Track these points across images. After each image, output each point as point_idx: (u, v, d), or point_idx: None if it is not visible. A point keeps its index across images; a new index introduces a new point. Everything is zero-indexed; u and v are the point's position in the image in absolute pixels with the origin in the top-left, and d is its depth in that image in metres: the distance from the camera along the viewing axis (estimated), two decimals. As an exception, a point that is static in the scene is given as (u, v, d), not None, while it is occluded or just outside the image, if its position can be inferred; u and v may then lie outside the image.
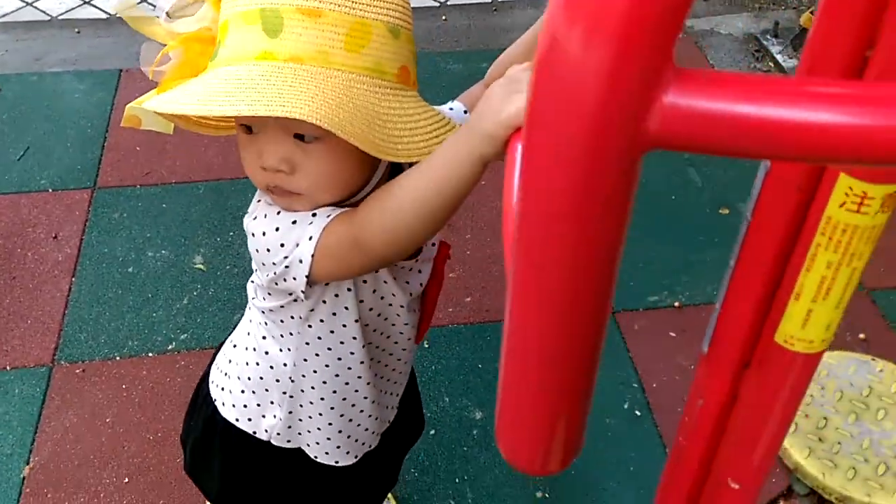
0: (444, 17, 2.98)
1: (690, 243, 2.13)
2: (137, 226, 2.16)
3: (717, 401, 0.92)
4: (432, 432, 1.71)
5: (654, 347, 1.89)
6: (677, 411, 1.73)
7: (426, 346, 1.86)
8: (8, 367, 1.81)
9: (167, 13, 0.88)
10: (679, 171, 2.34)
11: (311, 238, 0.84)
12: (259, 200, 0.93)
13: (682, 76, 0.35)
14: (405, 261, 0.97)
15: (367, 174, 0.88)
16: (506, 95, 0.67)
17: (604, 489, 1.65)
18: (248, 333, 1.07)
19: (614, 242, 0.45)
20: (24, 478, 1.62)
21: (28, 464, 1.65)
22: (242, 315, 1.87)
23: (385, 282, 0.96)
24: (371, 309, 0.97)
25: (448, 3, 3.03)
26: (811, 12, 2.73)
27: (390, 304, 0.99)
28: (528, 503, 1.62)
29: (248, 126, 0.85)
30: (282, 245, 0.87)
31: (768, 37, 2.81)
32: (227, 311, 1.95)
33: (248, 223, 0.92)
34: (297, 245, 0.85)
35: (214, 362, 1.15)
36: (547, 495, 1.63)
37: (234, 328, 1.15)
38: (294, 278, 0.87)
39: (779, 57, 2.72)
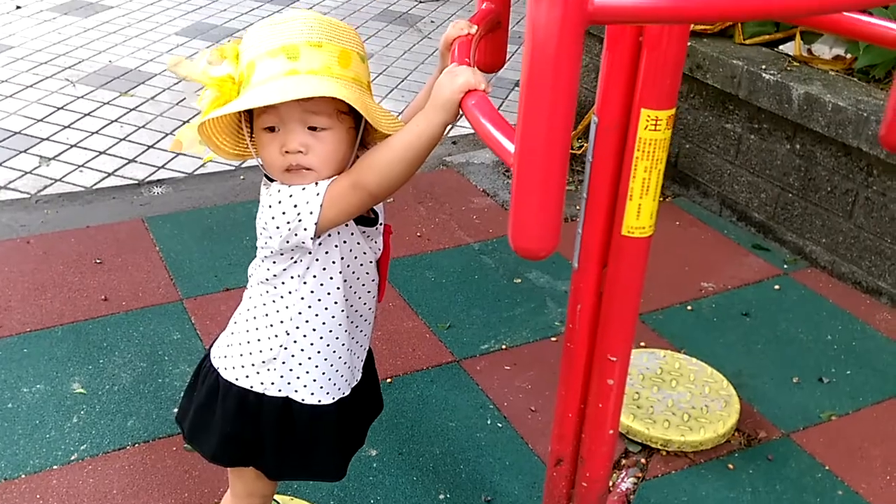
0: (241, 177, 3.38)
1: (500, 306, 2.62)
2: (4, 371, 2.24)
3: (590, 300, 1.40)
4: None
5: (496, 379, 2.31)
6: (527, 418, 2.16)
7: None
8: (-90, 503, 1.82)
9: (208, 62, 1.23)
10: (475, 259, 2.87)
11: (318, 194, 1.22)
12: (267, 187, 1.27)
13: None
14: (367, 227, 1.34)
15: (350, 156, 1.28)
16: (452, 77, 1.13)
17: (491, 482, 1.99)
18: (248, 310, 1.37)
19: (575, 74, 0.91)
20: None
21: (-41, 577, 1.67)
22: (134, 421, 2.07)
23: (358, 242, 1.33)
24: (349, 266, 1.33)
25: (242, 165, 3.44)
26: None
27: (361, 264, 1.35)
28: (435, 504, 1.92)
29: (272, 127, 1.22)
30: (295, 206, 1.22)
31: (511, 160, 3.51)
32: (120, 418, 2.10)
33: (266, 198, 1.26)
34: (308, 203, 1.22)
35: (215, 343, 1.41)
36: (448, 496, 1.94)
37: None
38: (305, 229, 1.22)
39: (523, 173, 3.42)
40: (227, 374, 1.38)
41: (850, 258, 2.78)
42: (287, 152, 1.23)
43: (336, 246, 1.31)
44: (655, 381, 2.22)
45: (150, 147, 3.58)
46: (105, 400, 2.16)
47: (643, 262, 1.34)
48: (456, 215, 3.13)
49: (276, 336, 1.35)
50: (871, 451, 2.12)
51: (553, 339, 2.49)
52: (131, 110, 3.90)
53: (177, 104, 3.97)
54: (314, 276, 1.31)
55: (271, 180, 1.30)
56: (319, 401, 1.39)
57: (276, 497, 1.76)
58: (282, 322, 1.34)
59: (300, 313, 1.33)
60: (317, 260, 1.30)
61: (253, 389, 1.37)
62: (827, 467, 2.07)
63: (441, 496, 1.94)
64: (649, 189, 1.26)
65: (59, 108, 3.88)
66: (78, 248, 2.83)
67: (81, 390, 2.19)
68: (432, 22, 5.26)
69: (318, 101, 1.20)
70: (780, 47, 3.03)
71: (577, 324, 1.42)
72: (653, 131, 1.21)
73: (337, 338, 1.37)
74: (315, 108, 1.20)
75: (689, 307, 2.66)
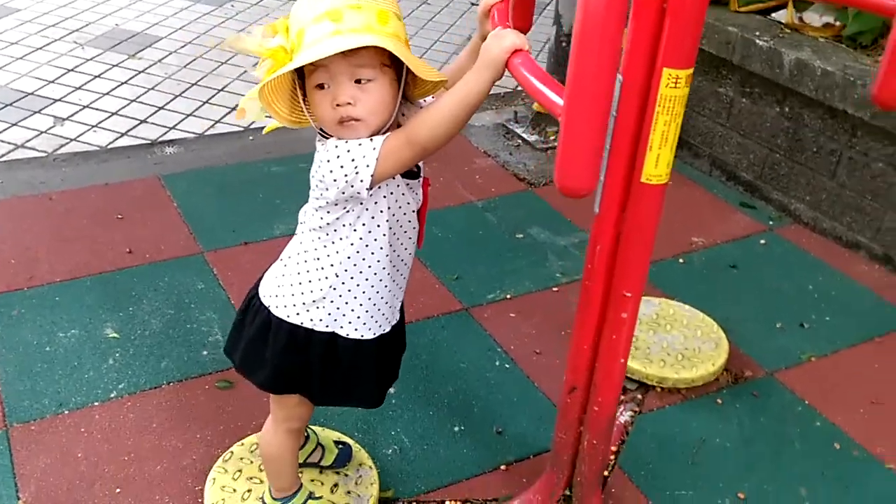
0: (250, 138, 3.50)
1: (503, 259, 2.78)
2: (39, 317, 2.38)
3: (608, 242, 1.54)
4: (360, 410, 2.12)
5: (502, 325, 2.47)
6: (532, 360, 2.33)
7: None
8: (-35, 435, 1.97)
9: (262, 36, 1.38)
10: (479, 216, 3.02)
11: (374, 149, 1.35)
12: (323, 143, 1.40)
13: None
14: (410, 179, 1.49)
15: (394, 107, 1.41)
16: (499, 39, 1.28)
17: (500, 416, 2.16)
18: (298, 253, 1.51)
19: (618, 35, 1.03)
20: (15, 512, 1.80)
21: (19, 500, 1.82)
22: (167, 362, 2.21)
23: (403, 193, 1.48)
24: (394, 215, 1.47)
25: (251, 126, 3.56)
26: (537, 100, 3.63)
27: (405, 213, 1.49)
28: (448, 436, 2.08)
29: (322, 84, 1.36)
30: (352, 160, 1.36)
31: (511, 122, 3.66)
32: (153, 360, 2.24)
33: (322, 153, 1.39)
34: (364, 157, 1.35)
35: (262, 281, 1.56)
36: (462, 428, 2.11)
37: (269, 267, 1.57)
38: (361, 181, 1.36)
39: (524, 135, 3.57)
40: (279, 312, 1.52)
41: (832, 215, 2.95)
42: (338, 105, 1.37)
43: (384, 196, 1.45)
44: (652, 326, 2.39)
45: (160, 108, 3.69)
46: (138, 343, 2.31)
47: (659, 207, 1.48)
48: (460, 175, 3.28)
49: (327, 278, 1.49)
50: (847, 388, 2.30)
51: (555, 289, 2.65)
52: (140, 73, 4.00)
53: (184, 67, 4.08)
54: (363, 225, 1.45)
55: (326, 137, 1.44)
56: (363, 336, 1.54)
57: (310, 426, 1.92)
58: (332, 265, 1.48)
59: (349, 258, 1.48)
60: (367, 210, 1.44)
61: (303, 325, 1.52)
62: (807, 402, 2.25)
63: (455, 428, 2.11)
64: (668, 140, 1.39)
65: (69, 70, 3.98)
66: (98, 204, 2.95)
67: (115, 335, 2.34)
68: (429, -13, 5.35)
69: (363, 54, 1.33)
70: (773, 15, 3.17)
71: (595, 263, 1.57)
72: (673, 88, 1.34)
73: (381, 280, 1.51)
74: (360, 61, 1.34)
75: (680, 260, 2.83)
